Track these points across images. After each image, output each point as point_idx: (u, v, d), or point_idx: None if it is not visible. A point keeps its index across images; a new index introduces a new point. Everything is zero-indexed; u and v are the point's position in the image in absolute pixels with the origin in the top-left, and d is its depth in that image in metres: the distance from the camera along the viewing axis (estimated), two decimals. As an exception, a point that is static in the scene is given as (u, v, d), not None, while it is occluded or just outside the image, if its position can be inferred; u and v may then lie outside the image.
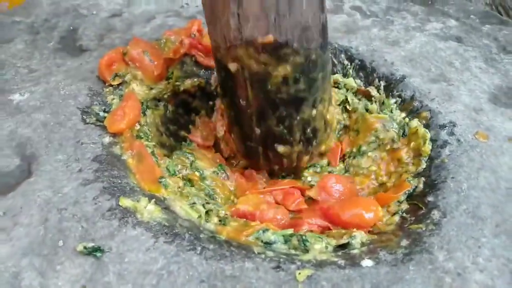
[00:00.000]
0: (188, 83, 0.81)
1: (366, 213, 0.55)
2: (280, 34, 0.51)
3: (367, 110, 0.76)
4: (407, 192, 0.60)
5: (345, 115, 0.77)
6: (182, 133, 0.79)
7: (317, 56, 0.56)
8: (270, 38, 0.51)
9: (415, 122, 0.67)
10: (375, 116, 0.73)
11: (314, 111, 0.63)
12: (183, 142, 0.77)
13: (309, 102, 0.61)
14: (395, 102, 0.74)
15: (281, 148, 0.66)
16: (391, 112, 0.73)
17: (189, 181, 0.64)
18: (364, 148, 0.72)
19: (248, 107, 0.61)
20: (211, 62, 0.84)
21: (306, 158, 0.70)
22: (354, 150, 0.73)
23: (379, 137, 0.71)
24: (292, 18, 0.51)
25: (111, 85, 0.72)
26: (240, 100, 0.61)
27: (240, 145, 0.71)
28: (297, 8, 0.50)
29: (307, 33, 0.53)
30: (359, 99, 0.78)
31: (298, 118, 0.62)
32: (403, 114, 0.71)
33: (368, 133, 0.72)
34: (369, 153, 0.71)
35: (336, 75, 0.80)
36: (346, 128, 0.78)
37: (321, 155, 0.74)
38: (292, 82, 0.57)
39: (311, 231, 0.56)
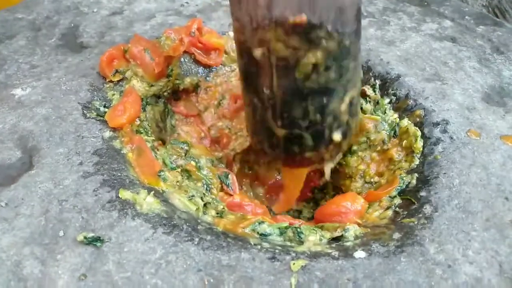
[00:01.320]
0: (187, 81, 0.83)
1: (347, 202, 0.57)
2: (314, 14, 0.47)
3: (361, 108, 0.77)
4: (398, 187, 0.61)
5: None
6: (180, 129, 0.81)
7: (351, 42, 0.52)
8: (303, 17, 0.46)
9: (405, 121, 0.69)
10: (368, 117, 0.74)
11: (343, 105, 0.57)
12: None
13: (339, 94, 0.56)
14: (390, 102, 0.76)
15: (307, 147, 0.60)
16: (385, 112, 0.75)
17: (186, 171, 0.65)
18: (354, 147, 0.73)
19: (272, 96, 0.56)
20: (210, 61, 0.86)
21: (330, 155, 0.64)
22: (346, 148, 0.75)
23: (370, 138, 0.72)
24: None
25: (111, 81, 0.73)
26: (264, 89, 0.55)
27: (258, 138, 0.64)
28: None
29: (342, 16, 0.49)
30: None
31: (326, 111, 0.57)
32: (396, 115, 0.73)
33: (360, 133, 0.74)
34: (359, 153, 0.73)
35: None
36: None
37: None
38: (323, 70, 0.52)
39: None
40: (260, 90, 0.56)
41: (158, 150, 0.67)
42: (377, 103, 0.77)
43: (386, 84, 0.77)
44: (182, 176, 0.64)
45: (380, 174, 0.71)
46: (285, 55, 0.50)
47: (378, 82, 0.78)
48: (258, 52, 0.51)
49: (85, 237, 0.49)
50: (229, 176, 0.66)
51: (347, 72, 0.54)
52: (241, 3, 0.49)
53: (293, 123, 0.57)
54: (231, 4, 0.53)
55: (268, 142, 0.62)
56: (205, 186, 0.64)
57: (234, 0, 0.52)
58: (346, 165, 0.74)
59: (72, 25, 0.89)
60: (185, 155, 0.68)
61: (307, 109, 0.55)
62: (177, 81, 0.81)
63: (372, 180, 0.71)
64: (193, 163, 0.67)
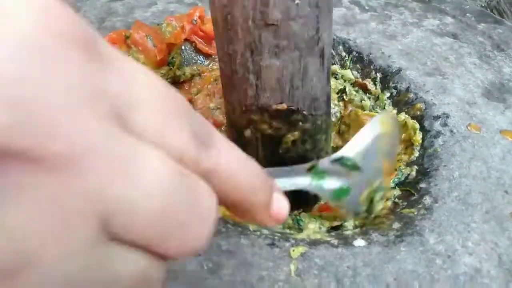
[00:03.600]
0: (188, 72, 0.82)
1: None
2: (293, 103, 0.57)
3: (361, 102, 0.77)
4: (397, 179, 0.61)
5: (341, 104, 0.78)
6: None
7: (322, 121, 0.62)
8: (284, 105, 0.57)
9: (402, 116, 0.69)
10: (367, 114, 0.74)
11: None
12: None
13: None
14: (390, 96, 0.76)
15: None
16: (384, 108, 0.74)
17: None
18: None
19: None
20: (211, 50, 0.85)
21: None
22: (341, 143, 0.75)
23: None
24: (304, 90, 0.56)
25: (111, 66, 0.72)
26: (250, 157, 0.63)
27: None
28: (308, 83, 0.56)
29: (315, 103, 0.59)
30: (356, 91, 0.80)
31: None
32: (395, 111, 0.73)
33: (358, 129, 0.73)
34: None
35: (334, 66, 0.81)
36: (339, 119, 0.79)
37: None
38: (300, 143, 0.62)
39: None
40: None
41: None
42: (377, 98, 0.77)
43: (387, 77, 0.77)
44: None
45: None
46: (269, 134, 0.60)
47: (379, 75, 0.78)
48: (247, 132, 0.61)
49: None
50: None
51: (319, 144, 0.64)
52: (233, 91, 0.59)
53: None
54: (224, 91, 0.63)
55: None
56: None
57: (227, 88, 0.61)
58: None
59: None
60: None
61: None
62: (178, 73, 0.80)
63: None
64: None
